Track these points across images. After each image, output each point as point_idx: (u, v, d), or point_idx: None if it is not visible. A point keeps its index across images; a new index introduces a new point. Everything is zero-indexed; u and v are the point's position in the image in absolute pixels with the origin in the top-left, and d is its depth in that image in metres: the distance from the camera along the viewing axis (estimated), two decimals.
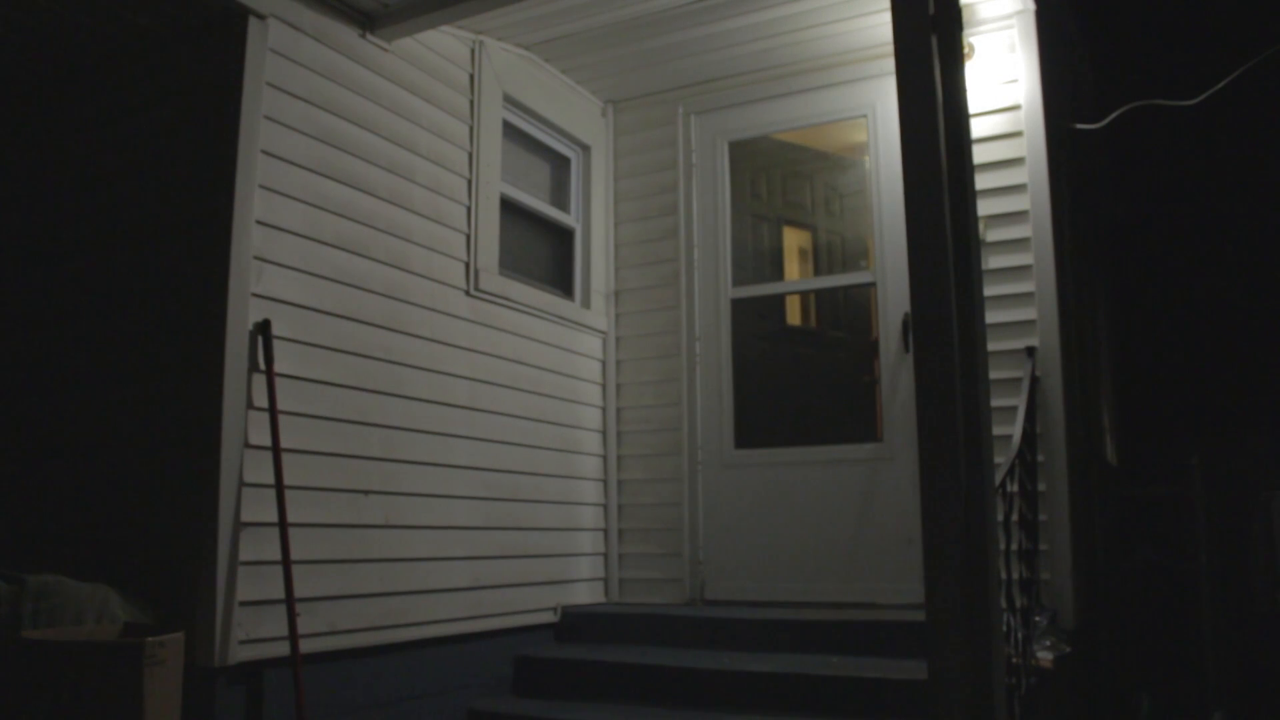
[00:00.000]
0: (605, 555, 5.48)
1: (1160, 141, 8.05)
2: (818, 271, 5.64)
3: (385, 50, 4.34)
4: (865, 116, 5.23)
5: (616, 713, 4.11)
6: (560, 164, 5.66)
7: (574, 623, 5.02)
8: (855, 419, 5.13)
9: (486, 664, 4.51)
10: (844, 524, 4.97)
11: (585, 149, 5.71)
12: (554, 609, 5.01)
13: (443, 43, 4.68)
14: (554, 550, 5.08)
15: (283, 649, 3.52)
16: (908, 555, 4.71)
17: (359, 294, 4.07)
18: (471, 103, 4.84)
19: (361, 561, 3.95)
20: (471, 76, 4.86)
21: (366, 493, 4.00)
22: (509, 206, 5.09)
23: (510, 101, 5.13)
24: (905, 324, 4.86)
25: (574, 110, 5.61)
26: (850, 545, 4.94)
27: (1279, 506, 4.82)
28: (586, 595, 5.30)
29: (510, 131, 5.19)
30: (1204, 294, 9.03)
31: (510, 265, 5.06)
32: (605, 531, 5.49)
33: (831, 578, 4.95)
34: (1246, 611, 5.27)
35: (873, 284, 5.10)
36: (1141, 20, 8.31)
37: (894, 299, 4.96)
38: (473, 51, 4.88)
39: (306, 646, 3.59)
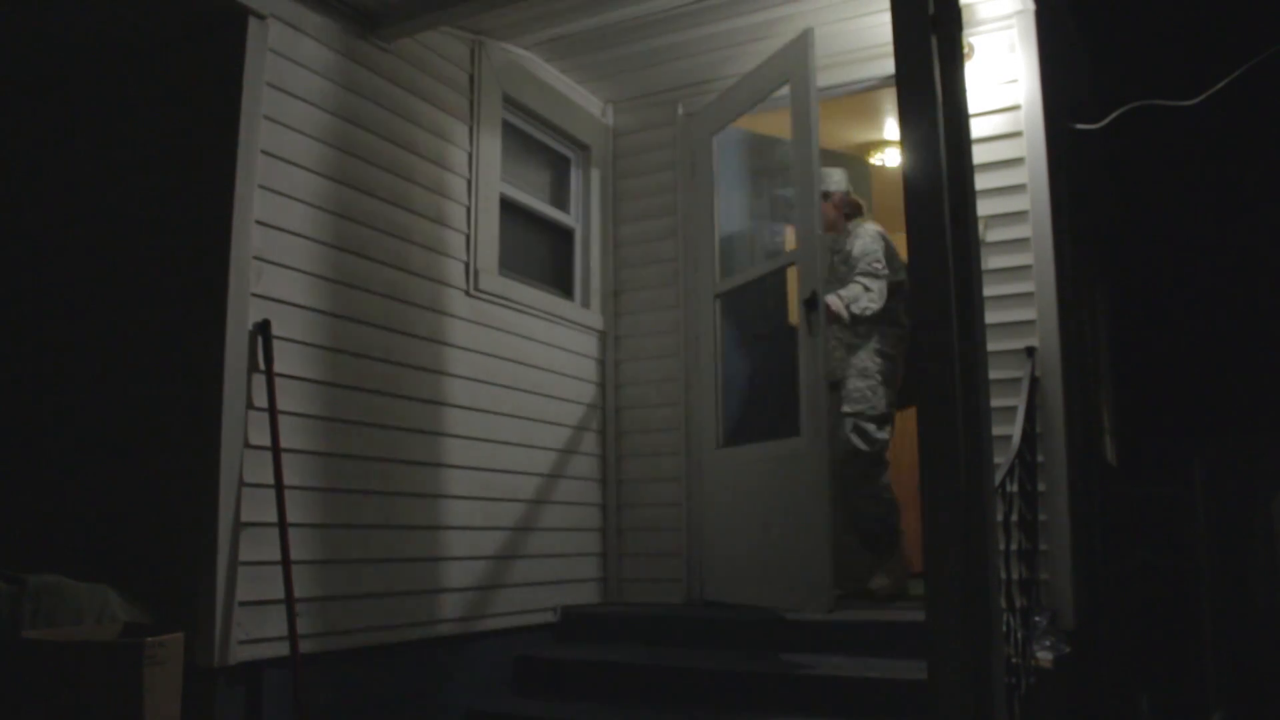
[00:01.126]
0: (605, 555, 5.48)
1: (1160, 142, 8.05)
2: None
3: (385, 51, 4.34)
4: None
5: (617, 712, 4.12)
6: (560, 164, 5.66)
7: (574, 623, 5.02)
8: None
9: (487, 664, 4.52)
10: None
11: (585, 149, 5.71)
12: (554, 609, 5.01)
13: (442, 43, 4.68)
14: (554, 550, 5.08)
15: (282, 649, 3.52)
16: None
17: (359, 294, 4.07)
18: (471, 103, 4.84)
19: (361, 561, 3.95)
20: (471, 77, 4.86)
21: (366, 493, 4.00)
22: (509, 206, 5.09)
23: (510, 102, 5.13)
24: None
25: (574, 110, 5.61)
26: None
27: (1279, 507, 4.82)
28: (586, 595, 5.31)
29: (510, 132, 5.19)
30: (1204, 294, 9.04)
31: (510, 265, 5.07)
32: (604, 531, 5.49)
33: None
34: (1246, 612, 5.28)
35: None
36: (1141, 21, 8.31)
37: None
38: (472, 52, 4.88)
39: (306, 646, 3.59)
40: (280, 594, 3.53)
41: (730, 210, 5.57)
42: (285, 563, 3.53)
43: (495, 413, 4.76)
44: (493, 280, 4.80)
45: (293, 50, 3.88)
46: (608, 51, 5.29)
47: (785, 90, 4.81)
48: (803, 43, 4.67)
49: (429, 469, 4.34)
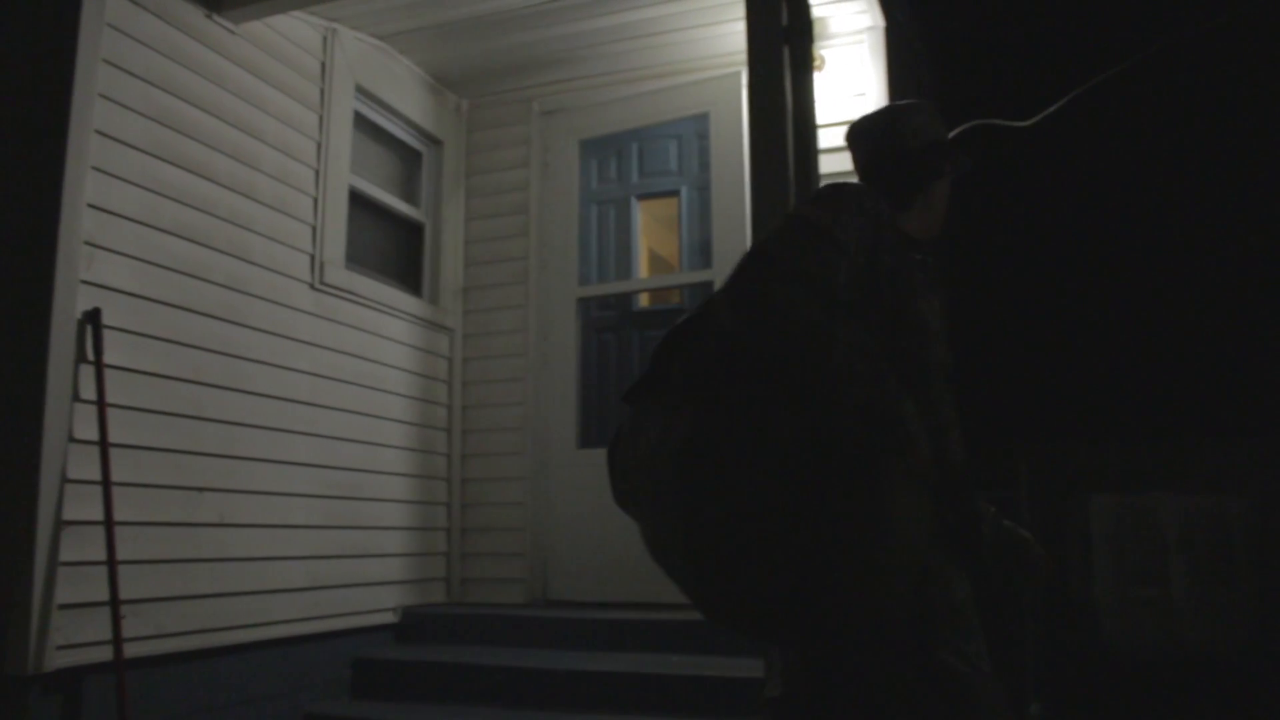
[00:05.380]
0: (448, 555, 5.42)
1: (997, 158, 8.43)
2: (678, 267, 5.70)
3: (232, 33, 4.20)
4: (708, 120, 5.32)
5: (457, 714, 4.08)
6: (412, 158, 5.58)
7: (415, 623, 4.95)
8: None
9: (324, 666, 4.41)
10: None
11: (438, 144, 5.64)
12: (395, 609, 4.93)
13: (294, 28, 4.55)
14: (396, 550, 5.00)
15: (106, 654, 3.37)
16: None
17: (197, 284, 3.92)
18: (322, 91, 4.72)
19: (194, 561, 3.81)
20: (323, 65, 4.74)
21: (201, 490, 3.86)
22: (358, 199, 4.99)
23: (362, 92, 5.03)
24: None
25: (427, 104, 5.53)
26: None
27: (1095, 508, 5.12)
28: (429, 595, 5.24)
29: (361, 123, 5.08)
30: (1032, 305, 9.52)
31: (357, 259, 4.96)
32: (449, 531, 5.44)
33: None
34: (1064, 608, 5.57)
35: (711, 282, 5.19)
36: (984, 43, 8.71)
37: None
38: (325, 39, 4.76)
39: (132, 651, 3.45)
40: (104, 596, 3.37)
41: (603, 217, 5.61)
42: (111, 563, 3.38)
43: (339, 409, 4.65)
44: (339, 274, 4.70)
45: (132, 26, 3.71)
46: (463, 46, 5.23)
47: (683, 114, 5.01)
48: (734, 82, 4.76)
49: (269, 466, 4.21)
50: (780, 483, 1.83)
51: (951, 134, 5.58)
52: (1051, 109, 5.61)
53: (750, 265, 2.08)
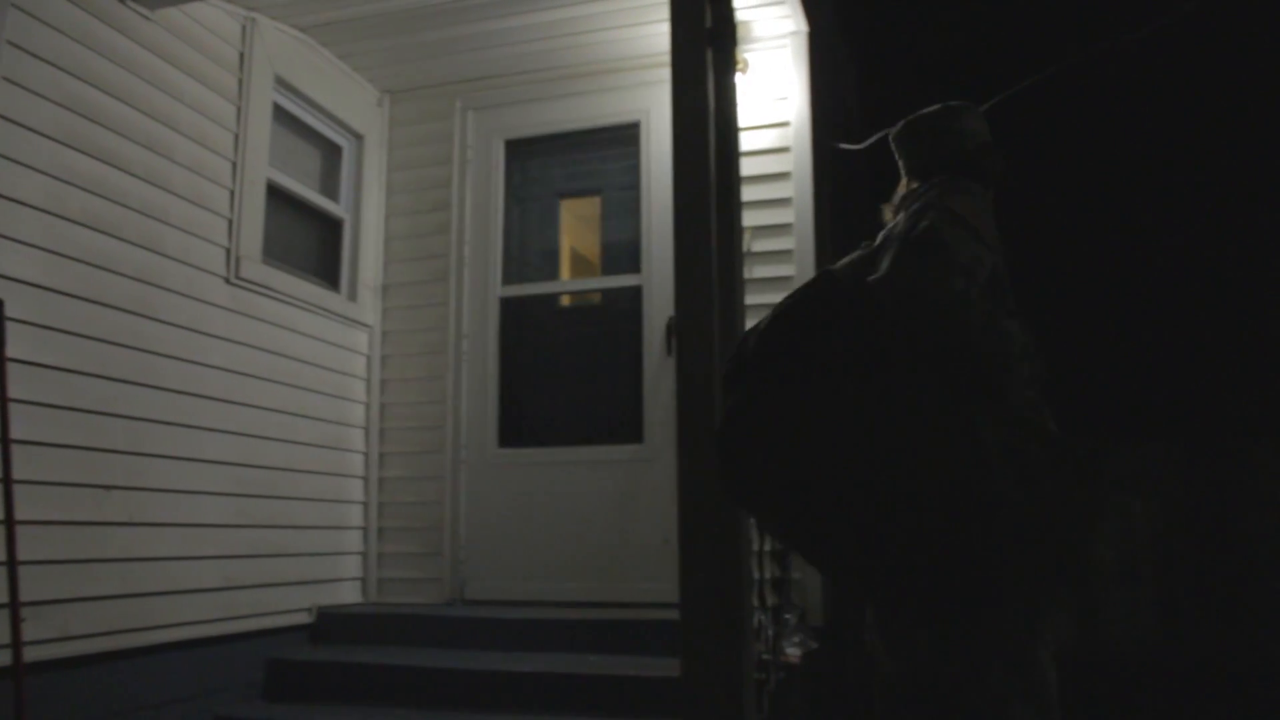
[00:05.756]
0: (365, 554, 5.35)
1: None
2: (600, 270, 5.70)
3: (147, 19, 4.09)
4: (639, 123, 5.34)
5: (371, 715, 4.03)
6: (332, 152, 5.49)
7: (330, 623, 4.88)
8: (619, 420, 5.22)
9: (237, 668, 4.32)
10: (605, 524, 5.05)
11: (359, 138, 5.57)
12: (310, 609, 4.85)
13: (211, 16, 4.46)
14: (311, 549, 4.92)
15: (4, 658, 3.25)
16: (666, 555, 4.83)
17: (107, 276, 3.82)
18: (240, 82, 4.63)
19: (100, 561, 3.70)
20: (241, 55, 4.65)
21: (108, 488, 3.75)
22: (276, 193, 4.90)
23: (282, 84, 4.94)
24: (669, 328, 4.98)
25: (349, 98, 5.46)
26: (611, 545, 5.03)
27: None
28: (344, 595, 5.17)
29: (281, 115, 4.99)
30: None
31: (275, 254, 4.88)
32: (366, 530, 5.37)
33: (593, 577, 5.02)
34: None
35: (639, 287, 5.21)
36: (906, 49, 8.86)
37: (659, 303, 5.08)
38: (244, 29, 4.67)
39: (33, 654, 3.33)
40: (4, 598, 3.26)
41: (526, 215, 5.59)
42: (11, 563, 3.26)
43: (254, 406, 4.57)
44: (255, 268, 4.61)
45: (39, 8, 3.59)
46: (386, 39, 5.17)
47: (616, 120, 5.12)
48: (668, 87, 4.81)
49: (180, 464, 4.12)
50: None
51: (868, 141, 5.69)
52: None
53: (923, 256, 2.15)
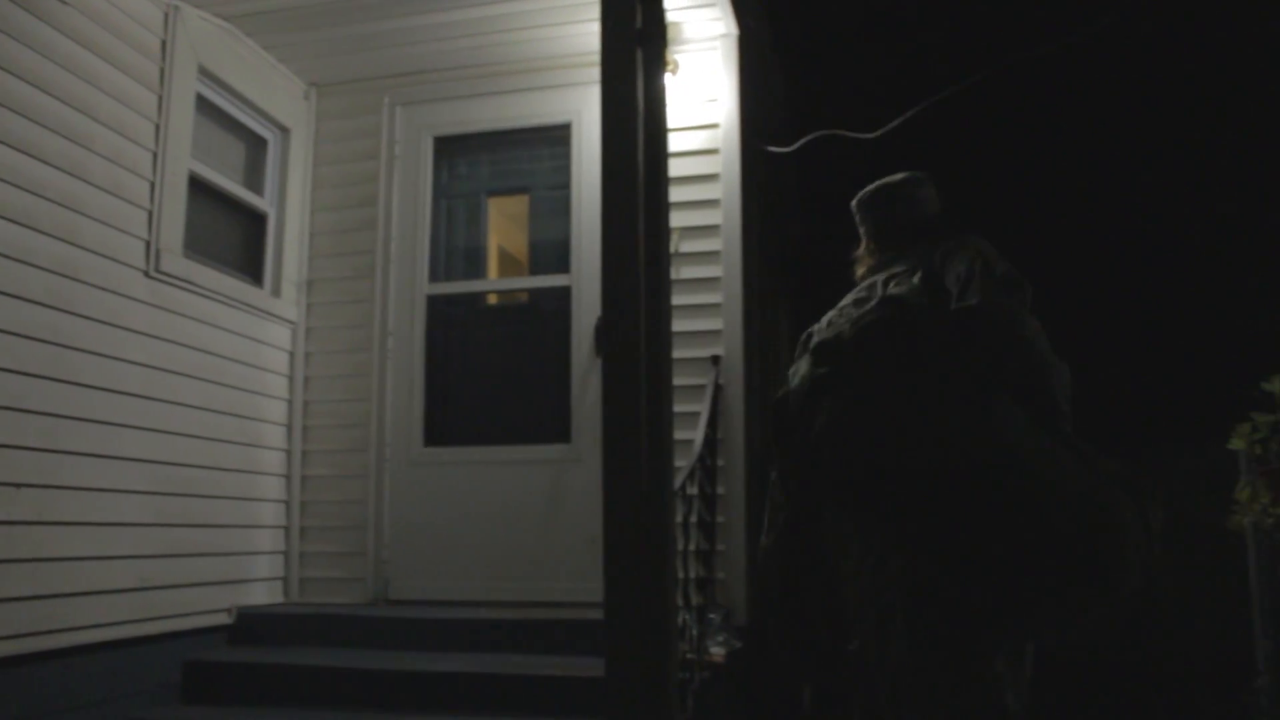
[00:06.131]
0: (287, 553, 5.27)
1: (842, 169, 8.70)
2: (528, 270, 5.68)
3: (64, 3, 3.98)
4: (570, 123, 5.33)
5: (291, 717, 3.97)
6: (257, 145, 5.40)
7: (250, 624, 4.80)
8: (546, 420, 5.21)
9: (153, 670, 4.23)
10: (531, 523, 5.04)
11: (285, 131, 5.48)
12: (229, 610, 4.77)
13: (132, 2, 4.36)
14: (232, 548, 4.84)
15: None
16: (592, 554, 4.82)
17: (21, 268, 3.71)
18: (162, 71, 4.53)
19: (9, 562, 3.60)
20: (163, 43, 4.55)
21: (18, 486, 3.65)
22: (198, 185, 4.81)
23: (205, 74, 4.85)
24: (598, 329, 4.99)
25: (275, 90, 5.37)
26: (537, 545, 5.02)
27: None
28: (265, 595, 5.09)
29: (204, 106, 4.90)
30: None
31: (197, 248, 4.78)
32: (288, 529, 5.29)
33: (518, 577, 5.01)
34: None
35: (568, 288, 5.21)
36: (835, 54, 8.98)
37: (588, 303, 5.08)
38: (166, 16, 4.57)
39: None
40: None
41: (454, 213, 5.55)
42: None
43: (174, 403, 4.48)
44: (176, 262, 4.52)
45: None
46: (313, 32, 5.10)
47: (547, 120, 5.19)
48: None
49: (96, 461, 4.02)
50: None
51: (796, 144, 5.76)
52: (896, 122, 5.81)
53: (1009, 293, 2.52)
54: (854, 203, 3.08)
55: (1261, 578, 4.31)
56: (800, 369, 2.65)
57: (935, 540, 2.42)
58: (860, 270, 2.97)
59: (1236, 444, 4.02)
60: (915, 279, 2.66)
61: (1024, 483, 2.35)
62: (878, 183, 3.03)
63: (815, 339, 2.81)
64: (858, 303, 2.75)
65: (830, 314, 2.90)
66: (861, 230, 3.06)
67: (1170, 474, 5.74)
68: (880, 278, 2.80)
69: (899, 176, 3.03)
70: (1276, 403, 3.88)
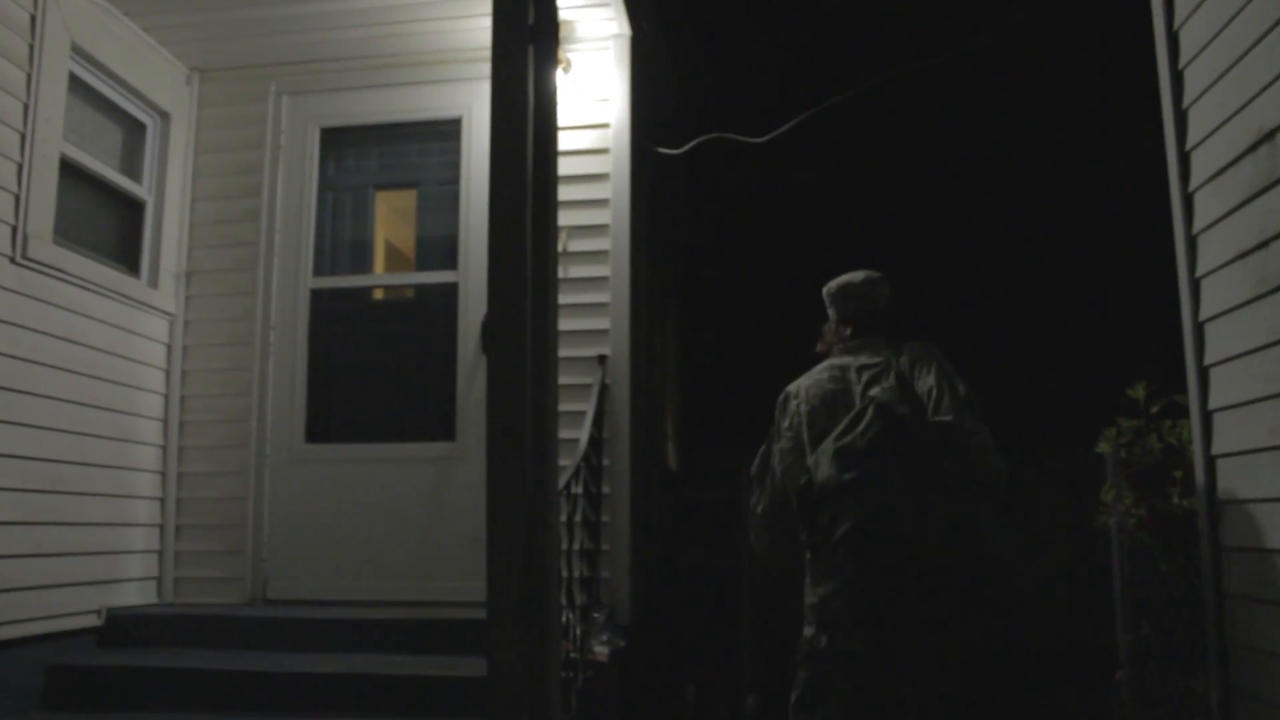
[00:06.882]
0: (161, 552, 5.11)
1: (732, 172, 8.83)
2: (415, 266, 5.61)
3: None
4: (461, 118, 5.29)
5: None
6: (135, 130, 5.22)
7: (121, 626, 4.64)
8: (431, 417, 5.16)
9: (13, 676, 4.04)
10: (415, 522, 4.99)
11: (165, 117, 5.31)
12: (99, 611, 4.60)
13: None
14: (102, 547, 4.66)
15: None
16: (476, 553, 4.80)
17: None
18: (32, 48, 4.34)
19: None
20: (33, 18, 4.35)
21: None
22: (71, 169, 4.62)
23: (79, 53, 4.67)
24: (484, 326, 4.95)
25: (155, 73, 5.20)
26: (421, 543, 4.96)
27: None
28: (138, 596, 4.92)
29: (78, 87, 4.72)
30: (755, 313, 9.99)
31: (68, 234, 4.60)
32: (162, 527, 5.13)
33: (402, 576, 4.95)
34: (777, 604, 5.87)
35: (456, 284, 5.16)
36: (728, 58, 9.08)
37: (475, 301, 5.05)
38: None
39: None
40: None
41: (340, 205, 5.44)
42: None
43: (41, 395, 4.30)
44: (45, 249, 4.34)
45: None
46: (195, 14, 4.97)
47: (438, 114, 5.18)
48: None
49: None
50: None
51: (686, 146, 5.82)
52: (785, 127, 5.91)
53: (973, 412, 3.26)
54: (824, 292, 3.69)
55: (1124, 575, 4.49)
56: (822, 464, 3.22)
57: (925, 587, 3.13)
58: (827, 342, 3.65)
59: (1103, 448, 4.18)
60: (890, 380, 3.32)
61: (984, 559, 3.13)
62: (841, 280, 3.64)
63: (799, 404, 3.48)
64: (833, 379, 3.47)
65: (806, 382, 3.52)
66: (830, 312, 3.67)
67: (1043, 477, 5.97)
68: (853, 364, 3.47)
69: (860, 276, 3.62)
70: (1140, 408, 4.06)
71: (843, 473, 3.15)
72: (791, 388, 3.59)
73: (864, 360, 3.47)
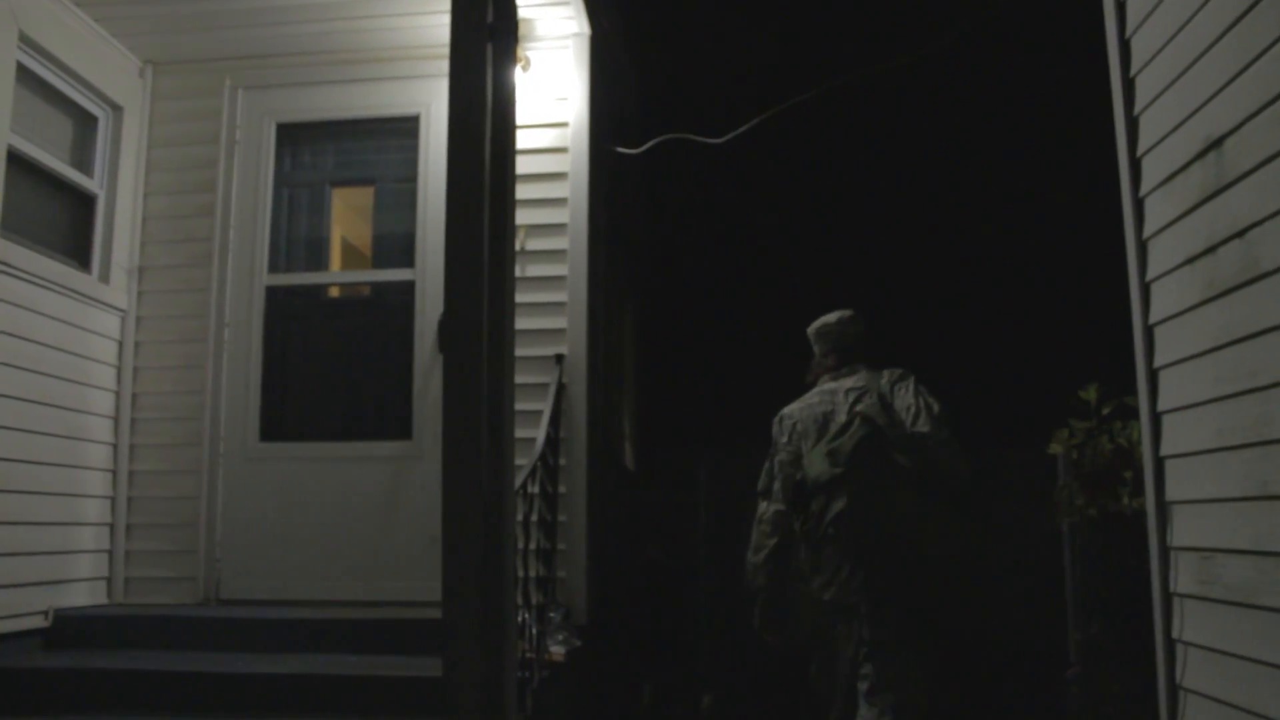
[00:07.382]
0: (111, 552, 5.04)
1: (690, 172, 8.85)
2: (372, 263, 5.57)
3: None
4: (419, 115, 5.25)
5: None
6: (86, 122, 5.14)
7: (70, 627, 4.56)
8: (388, 416, 5.13)
9: None
10: (371, 521, 4.95)
11: (117, 109, 5.23)
12: (46, 612, 4.52)
13: None
14: (50, 547, 4.59)
15: None
16: (432, 553, 4.75)
17: None
18: None
19: None
20: None
21: None
22: (18, 161, 4.54)
23: (28, 42, 4.58)
24: (440, 324, 4.92)
25: (107, 65, 5.12)
26: (377, 543, 4.93)
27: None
28: (87, 596, 4.85)
29: (26, 77, 4.63)
30: (714, 314, 10.02)
31: (16, 228, 4.51)
32: (113, 526, 5.05)
33: (357, 576, 4.91)
34: (733, 604, 5.90)
35: (413, 282, 5.13)
36: (687, 60, 9.11)
37: (432, 299, 5.02)
38: None
39: None
40: None
41: (296, 202, 5.39)
42: None
43: None
44: None
45: None
46: (149, 6, 4.91)
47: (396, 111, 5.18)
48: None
49: None
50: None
51: (645, 146, 5.83)
52: (743, 129, 5.94)
53: (948, 424, 3.80)
54: (807, 332, 4.24)
55: (1075, 573, 4.55)
56: (815, 463, 3.77)
57: (895, 570, 3.64)
58: (816, 374, 4.18)
59: (1055, 449, 4.25)
60: (873, 399, 3.86)
61: (940, 550, 3.64)
62: (820, 321, 4.19)
63: (795, 423, 4.03)
64: (823, 401, 4.01)
65: (798, 406, 4.07)
66: (816, 348, 4.21)
67: (998, 477, 6.03)
68: (841, 388, 4.00)
69: (834, 316, 4.17)
70: (1092, 410, 4.12)
71: (833, 468, 3.70)
72: (786, 411, 4.14)
73: (849, 384, 4.02)
